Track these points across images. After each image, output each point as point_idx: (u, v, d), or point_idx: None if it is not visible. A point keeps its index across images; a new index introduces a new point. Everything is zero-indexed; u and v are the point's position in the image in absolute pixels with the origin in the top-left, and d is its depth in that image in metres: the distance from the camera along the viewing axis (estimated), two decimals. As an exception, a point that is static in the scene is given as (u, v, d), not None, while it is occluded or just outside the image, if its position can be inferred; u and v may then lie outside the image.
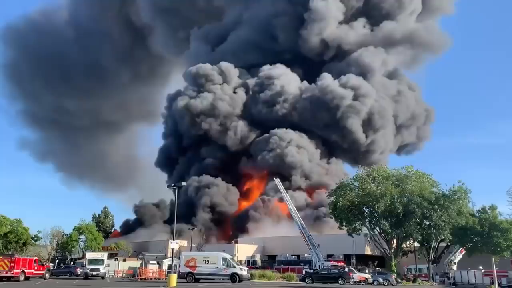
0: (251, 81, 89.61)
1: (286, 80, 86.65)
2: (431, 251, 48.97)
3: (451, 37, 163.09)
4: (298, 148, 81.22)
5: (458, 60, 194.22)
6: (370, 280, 42.72)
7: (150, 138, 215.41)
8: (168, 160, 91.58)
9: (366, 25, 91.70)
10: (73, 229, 64.98)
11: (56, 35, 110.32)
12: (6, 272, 35.82)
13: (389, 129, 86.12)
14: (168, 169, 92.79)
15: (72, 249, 64.73)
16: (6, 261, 36.20)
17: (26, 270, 37.62)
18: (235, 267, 37.11)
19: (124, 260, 58.16)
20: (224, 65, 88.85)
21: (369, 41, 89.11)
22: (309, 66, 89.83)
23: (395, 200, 44.54)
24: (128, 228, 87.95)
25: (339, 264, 51.08)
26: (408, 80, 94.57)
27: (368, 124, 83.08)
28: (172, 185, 41.92)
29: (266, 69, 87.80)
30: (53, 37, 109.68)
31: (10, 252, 52.33)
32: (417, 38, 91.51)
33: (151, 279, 44.67)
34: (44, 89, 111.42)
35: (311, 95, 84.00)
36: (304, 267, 54.03)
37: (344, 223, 48.38)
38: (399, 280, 45.79)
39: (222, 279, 37.13)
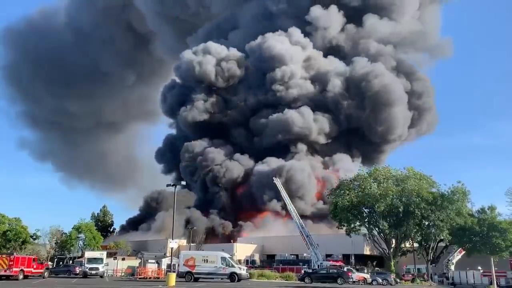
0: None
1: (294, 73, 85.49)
2: (430, 251, 49.02)
3: (450, 37, 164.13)
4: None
5: (457, 60, 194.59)
6: (369, 280, 42.80)
7: (150, 138, 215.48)
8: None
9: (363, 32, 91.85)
10: (72, 228, 65.04)
11: (56, 38, 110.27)
12: (5, 271, 35.80)
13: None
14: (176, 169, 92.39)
15: (71, 248, 64.76)
16: (5, 259, 36.20)
17: (25, 269, 37.59)
18: (234, 267, 37.15)
19: (123, 259, 58.13)
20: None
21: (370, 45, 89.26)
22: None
23: (395, 199, 44.61)
24: (149, 212, 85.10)
25: (338, 263, 51.05)
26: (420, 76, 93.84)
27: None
28: (172, 184, 41.83)
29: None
30: (53, 40, 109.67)
31: (9, 251, 52.40)
32: (418, 43, 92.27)
33: (150, 278, 44.61)
34: (44, 91, 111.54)
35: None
36: (303, 266, 53.99)
37: (343, 223, 48.52)
38: (398, 280, 45.84)
39: (221, 278, 37.15)
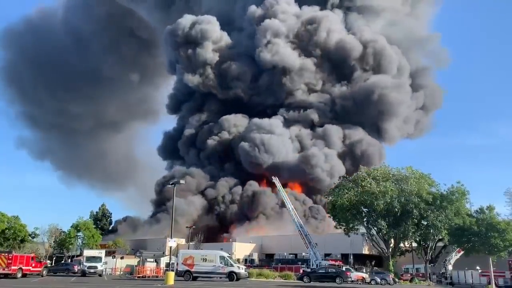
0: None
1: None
2: (428, 251, 49.08)
3: (449, 37, 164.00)
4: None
5: (454, 60, 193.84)
6: (368, 280, 42.81)
7: (149, 137, 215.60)
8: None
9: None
10: (71, 227, 65.04)
11: (56, 39, 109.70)
12: (4, 269, 35.78)
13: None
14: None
15: (70, 246, 64.74)
16: (3, 258, 36.18)
17: (23, 267, 37.56)
18: (232, 266, 37.16)
19: (122, 258, 58.09)
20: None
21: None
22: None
23: (394, 199, 44.68)
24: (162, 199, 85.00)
25: (337, 263, 51.13)
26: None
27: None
28: (171, 183, 41.84)
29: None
30: (53, 41, 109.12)
31: (7, 249, 52.36)
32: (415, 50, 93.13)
33: (148, 277, 44.66)
34: (43, 92, 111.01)
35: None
36: (302, 266, 54.04)
37: (341, 223, 48.58)
38: (396, 280, 45.88)
39: (220, 277, 37.15)
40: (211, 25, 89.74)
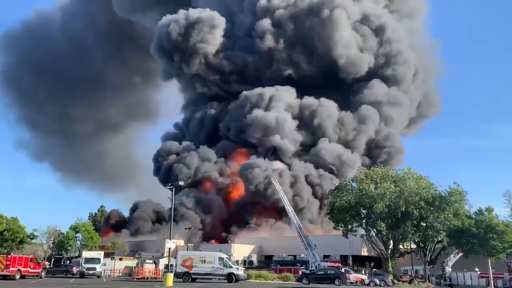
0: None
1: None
2: (427, 253, 49.09)
3: (448, 37, 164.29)
4: None
5: (453, 61, 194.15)
6: (367, 281, 42.85)
7: (148, 139, 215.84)
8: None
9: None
10: (69, 228, 64.96)
11: (55, 41, 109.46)
12: (2, 271, 35.80)
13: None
14: None
15: (69, 247, 64.66)
16: (2, 259, 36.22)
17: (22, 269, 37.58)
18: (231, 267, 37.21)
19: (121, 259, 58.08)
20: None
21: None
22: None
23: (394, 200, 44.72)
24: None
25: (336, 264, 51.13)
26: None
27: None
28: (170, 184, 41.93)
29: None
30: (52, 43, 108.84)
31: (6, 251, 52.34)
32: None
33: (147, 278, 44.62)
34: (43, 95, 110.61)
35: None
36: (301, 267, 53.96)
37: (340, 224, 48.62)
38: (395, 281, 45.89)
39: (219, 279, 37.18)
40: (210, 34, 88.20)
